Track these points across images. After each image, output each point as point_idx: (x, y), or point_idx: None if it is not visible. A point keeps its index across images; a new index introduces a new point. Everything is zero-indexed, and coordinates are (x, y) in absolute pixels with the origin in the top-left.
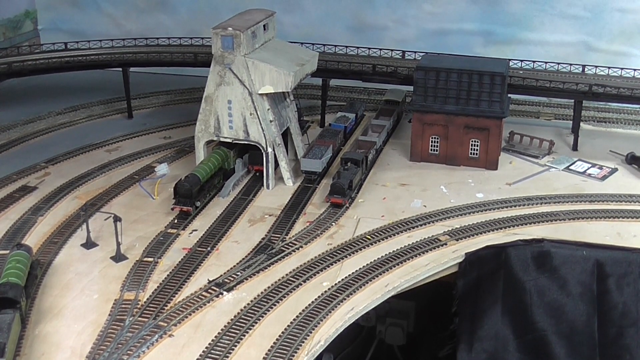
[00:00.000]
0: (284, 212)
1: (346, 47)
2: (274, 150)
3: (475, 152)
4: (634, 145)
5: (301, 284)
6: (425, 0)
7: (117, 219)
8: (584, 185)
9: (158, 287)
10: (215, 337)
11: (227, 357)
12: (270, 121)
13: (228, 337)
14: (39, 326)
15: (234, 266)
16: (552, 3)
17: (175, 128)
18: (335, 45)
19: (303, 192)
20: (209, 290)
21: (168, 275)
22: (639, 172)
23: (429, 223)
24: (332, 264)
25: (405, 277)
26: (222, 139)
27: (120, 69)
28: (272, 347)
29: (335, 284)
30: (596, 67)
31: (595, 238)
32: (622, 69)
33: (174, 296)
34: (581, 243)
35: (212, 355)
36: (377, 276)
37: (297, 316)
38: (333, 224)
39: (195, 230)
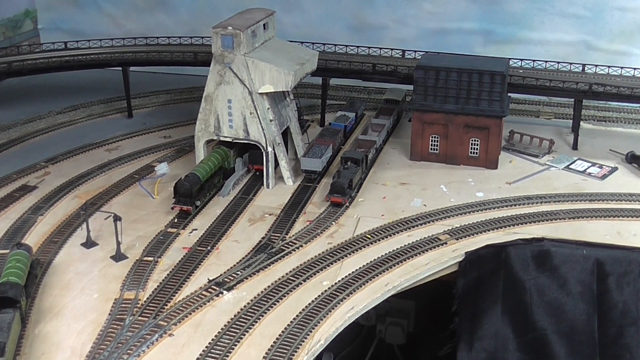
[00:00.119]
0: (284, 211)
1: (346, 46)
2: (274, 149)
3: (475, 151)
4: (634, 144)
5: (301, 283)
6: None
7: (117, 219)
8: (584, 184)
9: (158, 286)
10: (215, 336)
11: (227, 356)
12: (270, 120)
13: (228, 337)
14: (39, 325)
15: (234, 265)
16: (552, 2)
17: (175, 127)
18: (335, 45)
19: (303, 191)
20: (209, 290)
21: (168, 274)
22: (639, 171)
23: (429, 222)
24: (332, 263)
25: (405, 276)
26: (222, 138)
27: (120, 68)
28: (272, 346)
29: (335, 283)
30: (596, 66)
31: (595, 237)
32: (622, 68)
33: (174, 295)
34: (581, 242)
35: (212, 355)
36: (377, 275)
37: (297, 315)
38: (333, 223)
39: (195, 229)
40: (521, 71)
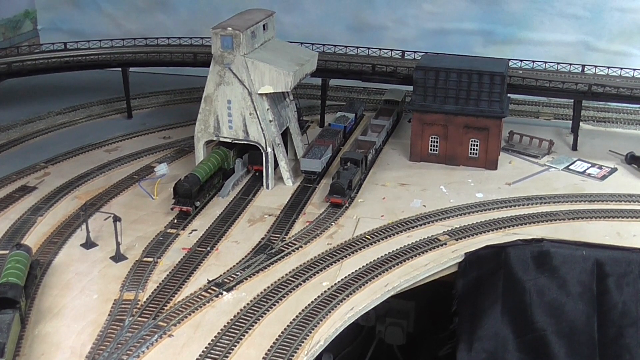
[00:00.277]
0: (284, 212)
1: (346, 47)
2: (273, 150)
3: (475, 151)
4: (634, 145)
5: (301, 284)
6: (425, 0)
7: (116, 219)
8: (584, 185)
9: (158, 287)
10: (215, 337)
11: (227, 357)
12: (270, 121)
13: (228, 337)
14: (39, 326)
15: (234, 266)
16: (551, 2)
17: (175, 128)
18: (335, 45)
19: (303, 192)
20: (209, 290)
21: (168, 275)
22: (638, 172)
23: (428, 223)
24: (331, 264)
25: (404, 277)
26: (221, 139)
27: (120, 69)
28: (271, 346)
29: (335, 284)
30: (596, 66)
31: (595, 238)
32: (621, 68)
33: (174, 296)
34: (581, 243)
35: (212, 355)
36: (377, 276)
37: (296, 316)
38: (333, 223)
39: (195, 230)
40: (521, 72)
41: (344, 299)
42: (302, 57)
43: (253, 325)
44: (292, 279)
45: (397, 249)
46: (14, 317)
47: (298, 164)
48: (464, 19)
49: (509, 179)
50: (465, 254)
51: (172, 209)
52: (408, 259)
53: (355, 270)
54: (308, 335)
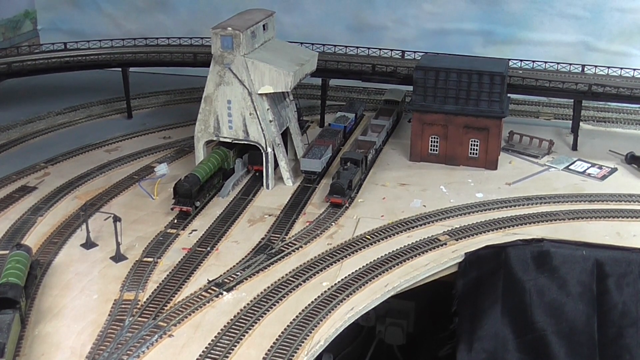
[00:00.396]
0: (284, 212)
1: (346, 47)
2: (273, 150)
3: (475, 151)
4: (634, 145)
5: (301, 284)
6: (425, 0)
7: (116, 219)
8: (584, 185)
9: (158, 287)
10: (215, 337)
11: (227, 357)
12: (270, 121)
13: (228, 337)
14: (39, 326)
15: (234, 266)
16: (551, 3)
17: (175, 128)
18: (335, 45)
19: (303, 192)
20: (209, 290)
21: (168, 275)
22: (638, 172)
23: (428, 223)
24: (331, 264)
25: (405, 277)
26: (221, 139)
27: (120, 69)
28: (271, 347)
29: (335, 284)
30: (596, 66)
31: (595, 238)
32: (621, 68)
33: (174, 296)
34: (581, 243)
35: (212, 356)
36: (377, 276)
37: (296, 316)
38: (333, 223)
39: (195, 230)
40: (521, 72)
41: (344, 299)
42: (302, 57)
43: (253, 326)
44: (292, 279)
45: (397, 249)
46: (14, 317)
47: (298, 164)
48: (464, 19)
49: (509, 179)
50: (465, 254)
51: (172, 209)
52: (408, 259)
53: (356, 271)
54: (308, 336)
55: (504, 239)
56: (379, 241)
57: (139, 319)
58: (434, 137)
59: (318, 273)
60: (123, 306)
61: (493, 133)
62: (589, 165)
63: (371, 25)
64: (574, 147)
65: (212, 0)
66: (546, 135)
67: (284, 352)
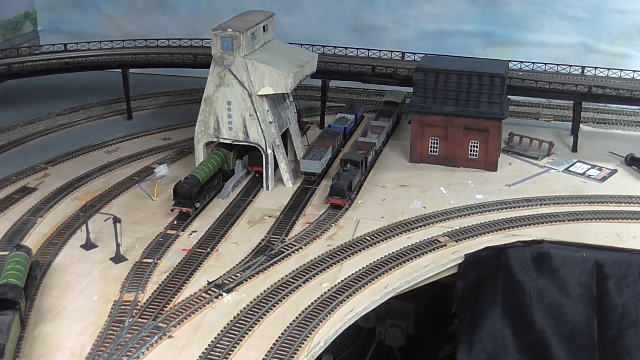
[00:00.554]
0: (284, 213)
1: (346, 48)
2: (273, 151)
3: (475, 153)
4: (634, 147)
5: (301, 285)
6: (425, 1)
7: (116, 220)
8: (584, 186)
9: (157, 288)
10: (215, 338)
11: (227, 358)
12: (270, 122)
13: (227, 339)
14: (39, 327)
15: (234, 267)
16: (551, 4)
17: (175, 129)
18: (335, 47)
19: (302, 193)
20: (209, 292)
21: (167, 276)
22: (638, 174)
23: (428, 224)
24: (331, 265)
25: (404, 278)
26: (221, 140)
27: (120, 70)
28: (271, 348)
29: (335, 285)
30: (595, 68)
31: (595, 239)
32: (621, 70)
33: (174, 297)
34: (581, 244)
35: (212, 357)
36: (377, 277)
37: (296, 317)
38: (332, 225)
39: (195, 231)
40: (521, 73)
41: (344, 301)
42: (302, 58)
43: (253, 327)
44: (292, 280)
45: (397, 251)
46: (13, 318)
47: (298, 165)
48: (464, 21)
49: (509, 180)
50: (465, 255)
51: (172, 210)
52: (408, 261)
53: (355, 272)
54: (308, 337)
55: (504, 240)
56: (378, 242)
57: (139, 320)
58: (434, 139)
59: (318, 274)
60: (123, 307)
61: (493, 134)
62: (589, 166)
63: (371, 26)
64: (574, 149)
65: (212, 1)
66: (546, 136)
67: (284, 353)
